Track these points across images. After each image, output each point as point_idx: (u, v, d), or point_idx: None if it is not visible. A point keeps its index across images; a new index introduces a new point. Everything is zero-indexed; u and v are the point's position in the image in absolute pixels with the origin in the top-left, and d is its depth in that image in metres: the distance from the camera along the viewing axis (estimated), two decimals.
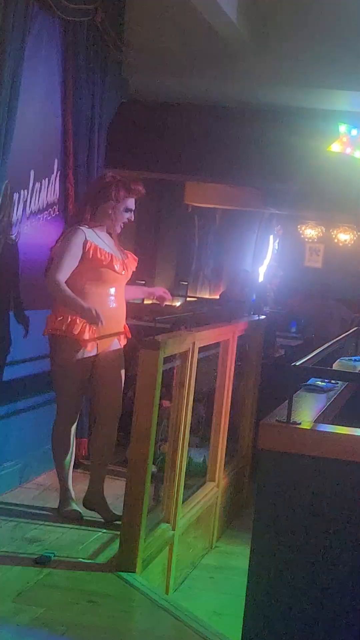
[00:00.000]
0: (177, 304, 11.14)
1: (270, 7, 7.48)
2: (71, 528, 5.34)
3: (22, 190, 5.72)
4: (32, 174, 5.86)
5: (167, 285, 11.63)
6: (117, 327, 5.46)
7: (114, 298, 5.42)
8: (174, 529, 5.33)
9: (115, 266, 5.36)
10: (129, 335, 5.59)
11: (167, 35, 7.65)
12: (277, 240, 15.71)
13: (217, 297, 12.78)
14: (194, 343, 5.38)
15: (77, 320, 5.25)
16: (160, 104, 8.99)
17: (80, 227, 5.33)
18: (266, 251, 15.28)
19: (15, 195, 5.63)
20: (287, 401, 3.81)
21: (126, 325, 5.55)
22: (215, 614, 5.17)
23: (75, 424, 5.55)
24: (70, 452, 5.53)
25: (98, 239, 5.37)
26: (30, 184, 5.84)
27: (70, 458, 5.54)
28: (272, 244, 15.47)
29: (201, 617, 4.52)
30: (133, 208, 5.48)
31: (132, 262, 5.56)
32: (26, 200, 5.78)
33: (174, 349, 5.15)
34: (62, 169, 6.25)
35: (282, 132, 8.90)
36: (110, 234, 5.50)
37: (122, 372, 5.50)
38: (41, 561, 4.76)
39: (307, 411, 4.18)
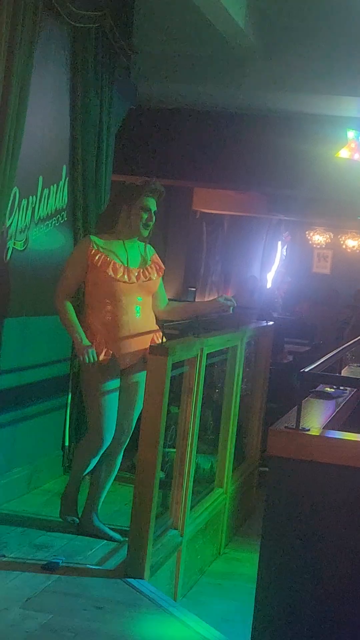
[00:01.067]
0: None
1: (278, 13, 7.49)
2: (79, 534, 5.34)
3: (30, 197, 5.73)
4: (41, 180, 5.87)
5: (175, 290, 11.64)
6: (143, 341, 5.22)
7: (137, 309, 5.22)
8: (182, 535, 5.32)
9: (124, 276, 5.16)
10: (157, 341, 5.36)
11: (176, 42, 7.66)
12: (285, 247, 15.72)
13: None
14: (202, 349, 5.38)
15: (97, 338, 5.12)
16: (169, 110, 9.00)
17: (86, 240, 5.25)
18: (274, 257, 15.29)
19: (24, 202, 5.65)
20: (295, 407, 3.80)
21: (158, 330, 5.33)
22: (223, 620, 5.16)
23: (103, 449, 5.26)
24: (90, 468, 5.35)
25: (117, 248, 5.20)
26: (39, 190, 5.85)
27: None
28: (280, 250, 15.47)
29: (209, 623, 4.52)
30: (150, 208, 5.26)
31: (152, 271, 5.32)
32: (35, 207, 5.79)
33: (182, 355, 5.15)
34: (70, 175, 6.26)
35: (291, 138, 8.91)
36: (142, 241, 5.35)
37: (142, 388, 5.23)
38: (49, 567, 4.76)
39: (315, 417, 4.17)
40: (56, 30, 5.79)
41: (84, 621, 4.20)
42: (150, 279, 5.29)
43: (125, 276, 5.18)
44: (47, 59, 5.73)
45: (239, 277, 14.31)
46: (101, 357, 5.11)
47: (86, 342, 5.08)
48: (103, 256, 5.14)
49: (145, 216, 5.25)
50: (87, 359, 5.05)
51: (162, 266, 5.44)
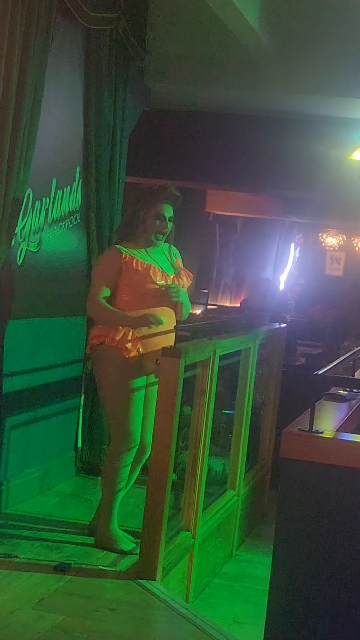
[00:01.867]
0: (198, 312, 11.15)
1: (292, 16, 7.48)
2: (91, 536, 5.34)
3: (44, 198, 5.74)
4: (54, 182, 5.88)
5: (188, 292, 11.61)
6: (165, 338, 5.13)
7: (163, 312, 5.12)
8: (194, 537, 5.32)
9: (154, 277, 5.08)
10: None
11: (190, 44, 7.66)
12: (298, 249, 15.71)
13: (238, 305, 12.79)
14: (214, 351, 5.38)
15: (119, 327, 5.00)
16: (182, 112, 9.00)
17: (113, 247, 5.17)
18: (287, 259, 15.27)
19: (38, 203, 5.66)
20: (309, 410, 3.80)
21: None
22: (235, 622, 5.16)
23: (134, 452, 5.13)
24: (125, 482, 5.19)
25: (140, 254, 5.12)
26: (52, 192, 5.86)
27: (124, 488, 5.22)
28: (293, 252, 15.46)
29: (221, 625, 4.52)
30: (165, 215, 5.15)
31: (183, 280, 5.24)
32: (48, 208, 5.80)
33: (195, 356, 5.15)
34: (84, 177, 6.27)
35: (304, 140, 8.90)
36: (166, 248, 5.28)
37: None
38: (61, 568, 4.77)
39: (329, 420, 4.16)
40: (70, 32, 5.80)
41: (96, 622, 4.21)
42: (181, 284, 5.24)
43: (156, 277, 5.09)
44: (61, 61, 5.74)
45: (251, 279, 14.30)
46: (134, 353, 5.01)
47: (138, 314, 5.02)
48: (130, 257, 5.05)
49: (157, 223, 5.14)
50: (156, 321, 4.99)
51: (191, 274, 5.36)
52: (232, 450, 6.41)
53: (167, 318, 5.13)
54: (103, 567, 4.90)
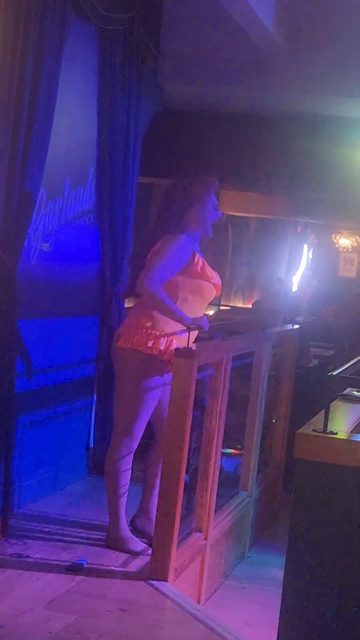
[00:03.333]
0: (211, 312, 11.13)
1: (306, 16, 7.48)
2: (103, 536, 5.34)
3: (57, 198, 5.74)
4: (68, 182, 5.88)
5: None
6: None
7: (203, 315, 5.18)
8: (206, 539, 5.31)
9: (215, 280, 5.10)
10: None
11: (203, 44, 7.66)
12: (312, 250, 15.68)
13: (250, 305, 12.77)
14: (227, 352, 5.37)
15: (152, 331, 4.98)
16: (196, 112, 9.00)
17: (184, 235, 5.02)
18: (300, 260, 15.24)
19: (51, 203, 5.66)
20: (322, 411, 3.79)
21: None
22: (247, 624, 5.15)
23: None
24: (127, 483, 5.19)
25: (196, 249, 5.11)
26: (66, 192, 5.86)
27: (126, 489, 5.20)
28: (306, 253, 15.43)
29: (233, 627, 4.51)
30: (217, 204, 5.22)
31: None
32: (61, 208, 5.80)
33: (208, 357, 5.14)
34: (97, 177, 6.27)
35: (317, 140, 8.88)
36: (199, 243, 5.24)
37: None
38: (73, 568, 4.77)
39: (343, 421, 4.14)
40: (84, 32, 5.79)
41: (108, 623, 4.20)
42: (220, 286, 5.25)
43: (218, 287, 5.14)
44: (75, 61, 5.73)
45: (264, 280, 14.27)
46: (164, 347, 4.99)
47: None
48: (202, 261, 5.03)
49: (217, 214, 5.18)
50: (204, 327, 4.99)
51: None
52: (244, 452, 6.40)
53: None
54: (115, 568, 4.90)
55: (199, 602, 5.17)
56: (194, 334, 5.00)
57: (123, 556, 5.08)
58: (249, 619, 5.24)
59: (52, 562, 4.85)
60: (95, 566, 4.88)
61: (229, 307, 12.50)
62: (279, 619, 3.73)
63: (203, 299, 5.14)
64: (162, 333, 4.99)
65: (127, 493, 5.15)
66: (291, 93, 8.03)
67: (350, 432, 3.95)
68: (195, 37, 7.60)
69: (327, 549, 3.64)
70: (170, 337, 4.99)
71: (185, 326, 4.94)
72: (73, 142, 5.91)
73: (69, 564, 4.83)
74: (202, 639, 4.27)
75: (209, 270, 5.08)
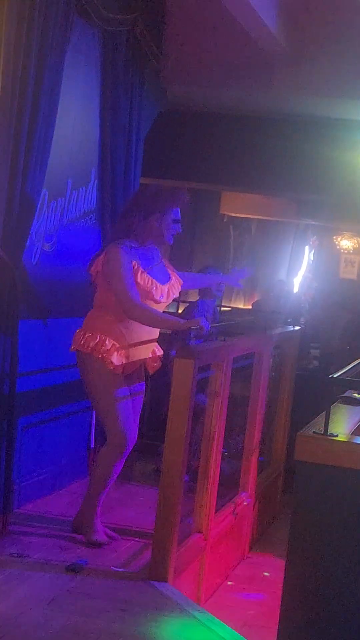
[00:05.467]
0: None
1: (309, 18, 7.47)
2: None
3: (59, 199, 5.76)
4: (70, 183, 5.89)
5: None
6: (147, 349, 5.25)
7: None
8: (206, 539, 5.32)
9: (155, 294, 5.10)
10: (158, 365, 5.37)
11: (206, 46, 7.66)
12: (313, 251, 15.68)
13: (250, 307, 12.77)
14: (228, 353, 5.38)
15: (107, 340, 5.05)
16: (198, 114, 9.00)
17: (122, 247, 5.04)
18: (301, 262, 15.24)
19: (53, 204, 5.67)
20: (323, 413, 3.79)
21: (156, 351, 5.33)
22: (246, 625, 5.15)
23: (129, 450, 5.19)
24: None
25: (144, 259, 5.11)
26: (68, 193, 5.87)
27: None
28: (307, 255, 15.43)
29: (232, 628, 4.51)
30: (180, 219, 5.27)
31: (177, 287, 5.29)
32: (63, 208, 5.81)
33: (209, 358, 5.15)
34: (99, 178, 6.28)
35: (320, 143, 8.87)
36: (158, 250, 5.29)
37: (143, 387, 5.38)
38: (73, 568, 4.78)
39: (343, 423, 4.15)
40: (87, 33, 5.81)
41: (108, 623, 4.21)
42: (175, 295, 5.28)
43: (157, 294, 5.12)
44: (78, 62, 5.75)
45: (265, 281, 14.28)
46: (123, 360, 5.09)
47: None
48: (141, 271, 5.04)
49: (175, 227, 5.20)
50: (204, 328, 4.99)
51: (181, 280, 5.37)
52: (244, 453, 6.40)
53: (155, 331, 5.21)
54: (115, 568, 4.91)
55: (198, 603, 5.17)
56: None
57: (123, 556, 5.09)
58: (249, 619, 5.24)
59: (52, 562, 4.86)
60: (95, 566, 4.88)
61: (230, 308, 12.50)
62: (279, 620, 3.74)
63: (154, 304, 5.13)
64: (100, 335, 5.06)
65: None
66: (293, 95, 8.02)
67: (351, 434, 3.96)
68: (198, 38, 7.60)
69: (327, 551, 3.65)
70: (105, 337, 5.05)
71: (181, 329, 4.98)
72: (75, 143, 5.92)
73: (69, 563, 4.84)
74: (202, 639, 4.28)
75: (143, 279, 5.04)
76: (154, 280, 5.11)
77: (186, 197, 5.27)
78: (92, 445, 6.54)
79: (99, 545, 5.15)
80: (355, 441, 3.75)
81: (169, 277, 5.28)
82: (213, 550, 5.46)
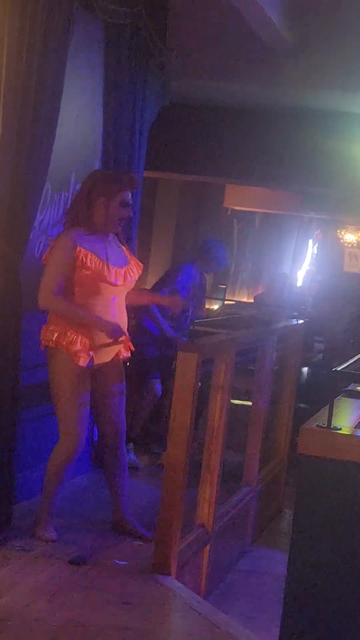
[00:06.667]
0: (216, 307, 11.14)
1: (313, 10, 7.46)
2: (106, 530, 5.35)
3: (62, 192, 5.75)
4: (73, 176, 5.88)
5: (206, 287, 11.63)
6: (117, 348, 5.17)
7: (113, 309, 5.08)
8: (209, 532, 5.32)
9: (108, 276, 4.98)
10: (132, 348, 5.29)
11: (210, 39, 7.65)
12: (317, 245, 15.66)
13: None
14: (232, 346, 5.37)
15: (68, 332, 4.96)
16: (202, 107, 8.99)
17: (71, 233, 4.97)
18: (305, 255, 15.23)
19: (57, 197, 5.66)
20: (327, 406, 3.79)
21: (127, 337, 5.22)
22: (249, 618, 5.16)
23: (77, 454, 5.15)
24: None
25: (94, 244, 5.00)
26: (71, 186, 5.87)
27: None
28: (311, 248, 15.42)
29: (236, 621, 4.52)
30: (130, 202, 5.11)
31: (135, 270, 5.17)
32: (67, 202, 5.80)
33: (212, 352, 5.15)
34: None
35: (323, 136, 8.87)
36: (117, 236, 5.20)
37: (123, 384, 5.29)
38: (76, 562, 4.78)
39: (347, 417, 4.14)
40: (90, 26, 5.79)
41: (111, 616, 4.21)
42: (133, 279, 5.19)
43: (110, 275, 5.01)
44: (81, 56, 5.73)
45: (269, 274, 14.28)
46: (86, 361, 5.01)
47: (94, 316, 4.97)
48: (90, 255, 4.95)
49: (124, 211, 5.09)
50: (118, 335, 4.97)
51: (141, 264, 5.30)
52: (248, 446, 6.41)
53: (121, 322, 5.13)
54: (118, 562, 4.91)
55: (202, 596, 5.18)
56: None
57: (126, 550, 5.09)
58: (252, 612, 5.25)
59: (56, 555, 4.86)
60: (99, 559, 4.89)
61: (234, 302, 12.50)
62: (282, 612, 3.74)
63: (97, 292, 5.01)
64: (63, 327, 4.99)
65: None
66: (297, 88, 8.01)
67: (355, 427, 3.95)
68: (201, 31, 7.59)
69: (330, 544, 3.64)
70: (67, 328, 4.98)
71: (98, 327, 4.95)
72: (79, 136, 5.91)
73: (72, 557, 4.84)
74: (205, 633, 4.28)
75: (92, 262, 4.95)
76: (106, 262, 4.99)
77: (134, 179, 5.17)
78: (95, 439, 6.54)
79: (45, 540, 5.06)
80: (358, 434, 3.75)
81: (127, 261, 5.18)
82: (216, 544, 5.46)
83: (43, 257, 5.07)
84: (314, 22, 7.53)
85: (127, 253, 5.27)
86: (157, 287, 7.35)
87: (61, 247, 4.95)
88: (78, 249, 4.93)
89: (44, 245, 5.55)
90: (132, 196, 5.18)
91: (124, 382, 5.31)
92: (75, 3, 5.22)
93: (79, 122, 5.88)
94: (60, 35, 5.05)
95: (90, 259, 4.95)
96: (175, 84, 7.64)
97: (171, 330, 7.21)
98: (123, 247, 5.27)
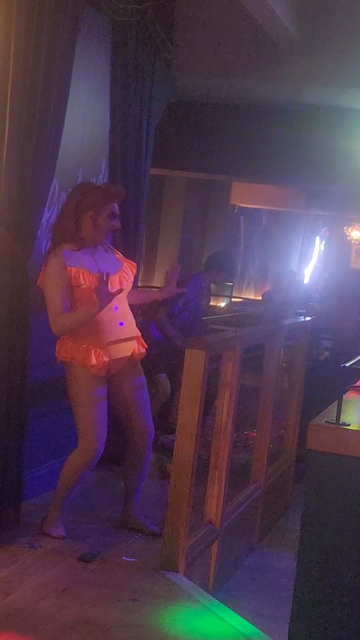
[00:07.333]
0: (223, 304, 11.14)
1: (319, 7, 7.45)
2: (115, 526, 5.36)
3: (70, 189, 5.74)
4: (81, 173, 5.89)
5: (212, 286, 11.62)
6: (130, 345, 5.17)
7: (119, 315, 5.10)
8: (217, 529, 5.32)
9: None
10: (144, 345, 5.28)
11: (216, 36, 7.64)
12: (324, 242, 15.66)
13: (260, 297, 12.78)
14: (239, 343, 5.38)
15: (82, 345, 4.98)
16: (208, 104, 8.99)
17: (59, 254, 4.96)
18: (312, 252, 15.24)
19: (64, 194, 5.66)
20: (335, 402, 3.79)
21: (139, 336, 5.25)
22: (257, 615, 5.16)
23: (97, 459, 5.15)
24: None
25: (83, 259, 5.01)
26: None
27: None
28: (318, 246, 15.42)
29: (243, 617, 4.52)
30: (117, 213, 5.11)
31: (129, 273, 5.19)
32: None
33: (220, 349, 5.15)
34: (109, 168, 6.27)
35: (330, 133, 8.85)
36: (102, 246, 5.17)
37: (143, 377, 5.29)
38: (85, 559, 4.79)
39: (355, 413, 4.15)
40: (97, 23, 5.79)
41: (119, 613, 4.22)
42: (129, 282, 5.20)
43: (110, 288, 4.94)
44: (88, 53, 5.73)
45: (276, 272, 14.29)
46: (102, 371, 5.03)
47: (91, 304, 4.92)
48: (82, 272, 4.95)
49: (111, 223, 5.07)
50: (104, 297, 4.85)
51: (134, 263, 5.31)
52: (256, 443, 6.41)
53: (129, 325, 5.16)
54: (127, 558, 4.92)
55: (210, 593, 5.18)
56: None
57: (135, 546, 5.10)
58: (260, 609, 5.25)
59: (64, 552, 4.88)
60: (107, 556, 4.90)
61: (241, 299, 12.51)
62: (291, 609, 3.74)
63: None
64: (72, 341, 5.02)
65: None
66: (304, 85, 8.00)
67: None
68: (208, 28, 7.58)
69: (339, 540, 3.64)
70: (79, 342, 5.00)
71: (101, 306, 4.88)
72: (86, 133, 5.92)
73: (81, 554, 4.85)
74: (213, 629, 4.28)
75: (85, 279, 4.95)
76: (97, 275, 4.96)
77: (119, 190, 5.14)
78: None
79: (54, 537, 5.07)
80: None
81: (119, 265, 5.18)
82: (224, 541, 5.47)
83: (38, 281, 5.03)
84: (320, 18, 7.52)
85: (117, 255, 5.28)
86: (170, 302, 7.33)
87: (53, 271, 4.96)
88: (68, 268, 4.94)
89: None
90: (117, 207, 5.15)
91: (143, 376, 5.32)
92: (81, 1, 5.22)
93: (86, 119, 5.88)
94: (68, 33, 5.05)
95: (82, 275, 4.96)
96: (182, 81, 7.65)
97: (179, 340, 7.28)
98: (112, 249, 5.29)
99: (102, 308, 4.88)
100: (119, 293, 4.97)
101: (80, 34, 5.27)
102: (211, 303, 8.78)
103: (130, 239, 6.44)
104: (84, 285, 4.95)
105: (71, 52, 5.14)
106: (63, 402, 5.91)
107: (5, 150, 4.76)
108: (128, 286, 5.20)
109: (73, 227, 5.02)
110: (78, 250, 5.02)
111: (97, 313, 4.90)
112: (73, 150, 5.67)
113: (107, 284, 4.86)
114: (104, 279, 4.84)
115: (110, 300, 4.89)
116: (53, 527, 5.12)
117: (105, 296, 4.85)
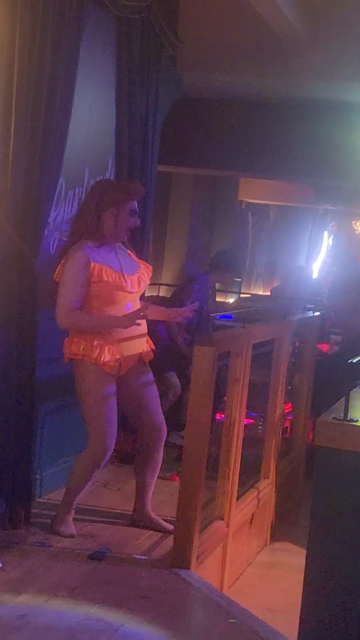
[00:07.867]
0: (231, 300, 11.14)
1: (325, 2, 7.43)
2: (125, 525, 5.36)
3: (76, 188, 5.75)
4: (87, 171, 5.89)
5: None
6: (140, 344, 5.19)
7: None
8: (228, 526, 5.32)
9: (125, 285, 5.02)
10: (152, 345, 5.30)
11: (221, 32, 7.62)
12: (332, 237, 15.63)
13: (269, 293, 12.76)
14: (248, 340, 5.37)
15: (94, 342, 4.98)
16: (214, 100, 8.97)
17: (81, 248, 4.96)
18: (320, 247, 15.21)
19: (70, 192, 5.67)
20: (343, 398, 3.78)
21: (149, 338, 5.27)
22: (269, 610, 5.15)
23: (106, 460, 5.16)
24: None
25: (106, 256, 5.02)
26: (85, 181, 5.87)
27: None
28: (326, 240, 15.39)
29: (255, 614, 4.52)
30: (137, 211, 5.14)
31: (146, 275, 5.21)
32: (81, 197, 5.80)
33: (228, 345, 5.15)
34: (116, 166, 6.27)
35: (337, 127, 8.83)
36: (123, 243, 5.21)
37: (151, 375, 5.30)
38: (96, 557, 4.80)
39: None
40: (102, 21, 5.78)
41: (131, 611, 4.22)
42: (146, 283, 5.23)
43: (127, 284, 5.03)
44: (93, 50, 5.73)
45: (284, 267, 14.27)
46: (114, 369, 5.04)
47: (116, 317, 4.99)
48: (105, 269, 4.96)
49: (132, 220, 5.10)
50: (133, 318, 4.94)
51: (150, 266, 5.33)
52: (266, 439, 6.40)
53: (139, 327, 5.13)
54: (137, 556, 4.92)
55: (221, 590, 5.19)
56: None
57: (145, 544, 5.10)
58: (272, 605, 5.24)
59: (75, 551, 4.88)
60: (118, 554, 4.90)
61: (250, 295, 12.50)
62: (302, 605, 3.74)
63: (116, 303, 5.03)
64: (87, 339, 5.01)
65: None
66: (311, 80, 7.98)
67: None
68: (213, 25, 7.56)
69: (348, 536, 3.64)
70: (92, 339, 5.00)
71: (124, 326, 4.96)
72: (92, 131, 5.91)
73: (91, 552, 4.85)
74: (225, 626, 4.28)
75: (108, 275, 4.97)
76: (121, 273, 5.02)
77: (140, 188, 5.16)
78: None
79: (64, 536, 5.08)
80: None
81: (137, 267, 5.20)
82: (235, 537, 5.47)
83: (55, 274, 5.02)
84: (326, 13, 7.50)
85: (134, 257, 5.29)
86: (176, 303, 7.31)
87: (76, 264, 4.94)
88: (92, 264, 4.94)
89: (57, 242, 5.55)
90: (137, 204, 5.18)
91: (151, 373, 5.32)
92: None
93: (92, 117, 5.88)
94: (72, 31, 5.05)
95: (105, 272, 4.97)
96: (188, 77, 7.64)
97: (185, 346, 7.30)
98: (129, 251, 5.29)
99: (125, 327, 4.96)
100: (143, 318, 5.03)
101: (85, 32, 5.27)
102: (220, 299, 8.77)
103: (137, 237, 6.43)
104: (104, 284, 4.95)
105: (76, 50, 5.14)
106: (71, 400, 5.92)
107: (11, 149, 4.77)
108: (144, 288, 5.24)
109: (94, 224, 5.01)
110: (99, 247, 5.02)
111: (113, 328, 4.97)
112: (79, 149, 5.67)
113: (145, 316, 4.98)
114: (146, 309, 4.97)
115: (132, 324, 4.95)
116: (63, 526, 5.13)
117: (132, 319, 4.92)
